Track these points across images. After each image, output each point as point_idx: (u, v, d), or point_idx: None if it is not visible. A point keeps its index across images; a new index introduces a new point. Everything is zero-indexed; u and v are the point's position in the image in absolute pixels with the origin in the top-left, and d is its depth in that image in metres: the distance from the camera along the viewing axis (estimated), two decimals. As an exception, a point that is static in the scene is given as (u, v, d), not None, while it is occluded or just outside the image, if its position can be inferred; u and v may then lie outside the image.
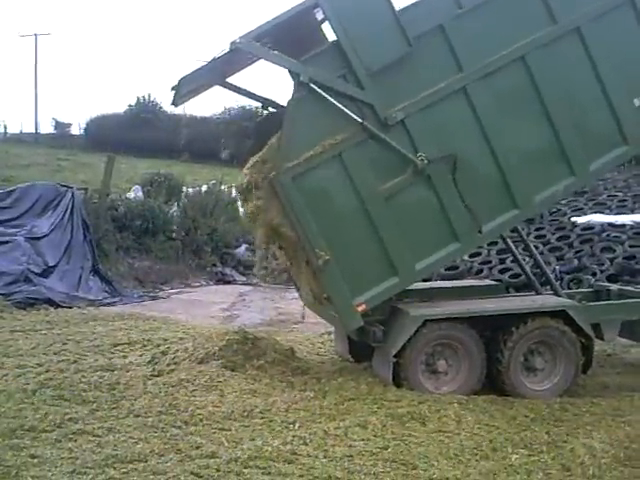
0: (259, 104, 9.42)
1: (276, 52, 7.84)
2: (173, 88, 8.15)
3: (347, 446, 6.26)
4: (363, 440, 6.41)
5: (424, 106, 7.83)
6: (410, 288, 8.50)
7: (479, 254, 15.07)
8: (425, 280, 11.92)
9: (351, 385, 7.94)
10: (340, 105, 7.56)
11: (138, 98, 46.11)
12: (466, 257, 15.01)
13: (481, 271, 14.38)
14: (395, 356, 7.85)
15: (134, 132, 41.14)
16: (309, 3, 7.54)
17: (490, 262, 14.62)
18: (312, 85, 7.46)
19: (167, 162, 35.21)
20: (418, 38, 7.69)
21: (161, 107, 45.08)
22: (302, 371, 8.55)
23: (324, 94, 7.49)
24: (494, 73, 7.99)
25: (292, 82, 7.57)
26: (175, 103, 8.31)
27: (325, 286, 7.79)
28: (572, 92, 8.31)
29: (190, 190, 22.94)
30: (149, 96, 45.96)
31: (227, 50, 7.72)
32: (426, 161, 7.79)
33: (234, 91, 9.14)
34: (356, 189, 7.74)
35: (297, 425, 6.72)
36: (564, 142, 8.23)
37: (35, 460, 5.69)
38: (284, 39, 7.99)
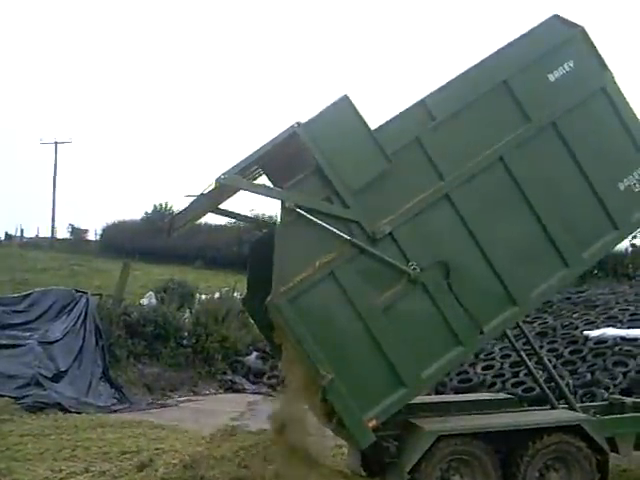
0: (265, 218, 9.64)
1: (261, 184, 8.17)
2: (166, 224, 8.36)
3: None
4: None
5: (410, 217, 7.95)
6: (424, 402, 8.43)
7: (492, 367, 14.97)
8: (438, 393, 11.81)
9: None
10: (327, 225, 7.67)
11: (154, 205, 47.07)
12: (479, 370, 14.93)
13: (494, 384, 14.23)
14: (409, 472, 7.72)
15: (149, 239, 41.72)
16: (288, 133, 7.71)
17: (503, 375, 14.49)
18: (298, 210, 7.64)
19: (181, 268, 35.54)
20: (396, 153, 7.86)
21: (185, 207, 45.72)
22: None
23: (311, 217, 7.63)
24: (475, 177, 8.12)
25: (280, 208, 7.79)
26: (169, 235, 8.52)
27: (333, 405, 7.72)
28: (555, 185, 8.42)
29: (203, 297, 23.08)
30: (165, 204, 46.89)
31: (213, 186, 7.93)
32: (418, 269, 7.86)
33: (227, 216, 9.42)
34: (353, 305, 7.76)
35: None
36: (553, 236, 8.30)
37: None
38: (273, 163, 8.27)
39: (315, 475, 7.94)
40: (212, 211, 8.99)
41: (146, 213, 46.86)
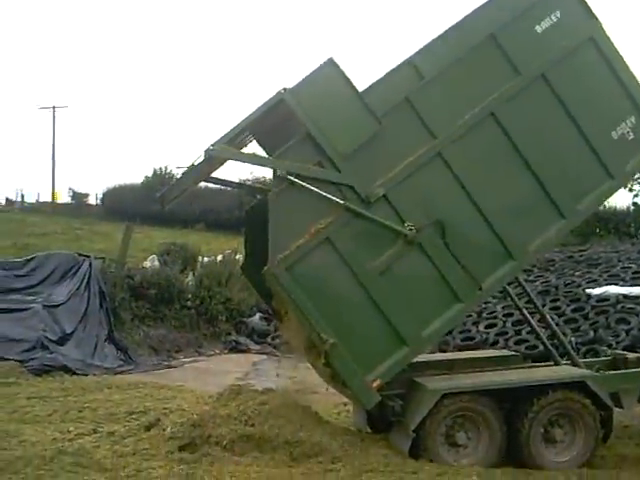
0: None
1: (250, 153, 8.16)
2: (160, 195, 8.34)
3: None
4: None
5: (403, 178, 7.93)
6: (428, 360, 8.48)
7: (495, 325, 15.06)
8: (442, 352, 11.88)
9: (368, 457, 7.80)
10: (320, 191, 7.67)
11: (154, 169, 46.95)
12: (482, 328, 15.01)
13: (497, 342, 14.33)
14: (414, 430, 7.80)
15: (150, 202, 41.61)
16: (275, 99, 7.68)
17: (506, 333, 14.58)
18: (290, 177, 7.62)
19: (182, 232, 35.56)
20: (386, 114, 7.82)
21: (177, 178, 45.66)
22: (318, 442, 8.43)
23: (303, 183, 7.62)
24: (467, 134, 8.10)
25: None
26: (163, 206, 8.50)
27: (336, 368, 7.81)
28: (548, 137, 8.40)
29: (205, 259, 23.14)
30: (165, 168, 46.76)
31: (203, 157, 7.93)
32: (415, 230, 7.89)
33: (220, 184, 9.40)
34: (350, 269, 7.80)
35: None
36: (548, 187, 8.31)
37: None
38: (263, 129, 8.23)
39: (320, 432, 8.03)
40: (204, 180, 8.94)
41: (146, 177, 46.80)
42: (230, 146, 7.98)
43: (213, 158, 7.99)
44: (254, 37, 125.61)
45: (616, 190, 9.15)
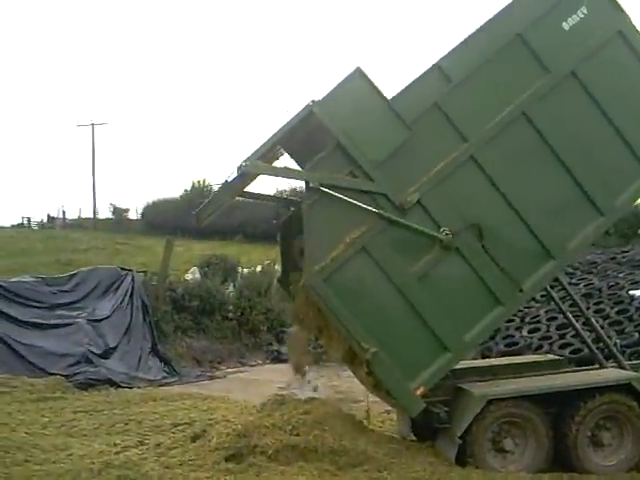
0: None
1: (282, 167, 8.20)
2: (196, 213, 8.38)
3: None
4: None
5: (437, 182, 7.89)
6: (472, 366, 8.42)
7: (539, 330, 14.87)
8: (485, 358, 11.78)
9: (414, 465, 7.76)
10: (354, 200, 7.66)
11: (193, 183, 47.32)
12: (525, 333, 14.84)
13: (541, 347, 14.14)
14: (461, 436, 7.75)
15: (190, 216, 41.87)
16: (304, 113, 7.68)
17: (550, 338, 14.37)
18: (322, 188, 7.61)
19: (221, 243, 35.79)
20: (416, 120, 7.78)
21: (212, 195, 45.91)
22: (363, 450, 8.41)
23: (336, 194, 7.62)
24: (499, 135, 8.03)
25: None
26: (199, 223, 8.57)
27: (379, 377, 7.79)
28: (581, 134, 8.30)
29: (245, 270, 23.28)
30: (204, 181, 47.12)
31: (235, 173, 7.98)
32: (451, 235, 7.84)
33: (254, 199, 9.48)
34: (388, 277, 7.78)
35: (362, 505, 6.65)
36: (584, 185, 8.22)
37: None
38: (293, 141, 8.23)
39: (365, 441, 8.01)
40: (239, 196, 8.96)
41: (185, 191, 47.16)
42: (262, 160, 8.01)
43: (246, 174, 8.04)
44: (288, 47, 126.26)
45: None
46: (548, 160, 8.18)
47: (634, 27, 8.48)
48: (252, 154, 7.79)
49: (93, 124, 59.77)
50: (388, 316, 7.88)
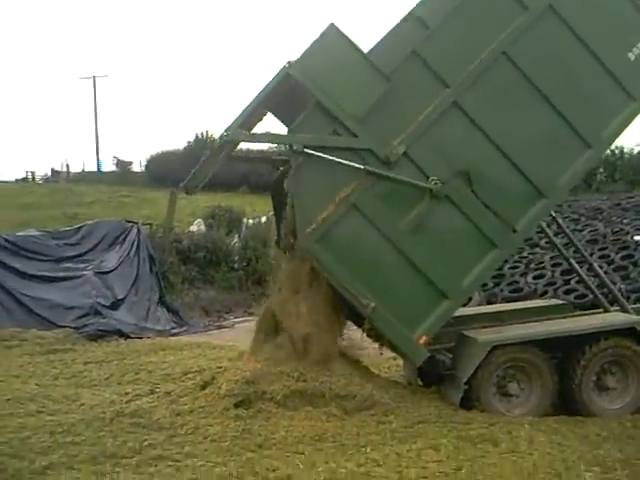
0: None
1: (264, 133, 8.17)
2: (184, 185, 8.38)
3: (421, 467, 6.28)
4: (436, 462, 6.42)
5: (421, 132, 7.84)
6: (476, 312, 8.47)
7: (543, 276, 14.93)
8: (490, 304, 11.85)
9: (420, 409, 7.89)
10: (339, 159, 7.63)
11: (196, 134, 47.02)
12: (530, 279, 14.90)
13: (546, 293, 14.21)
14: (466, 382, 7.84)
15: (192, 168, 41.70)
16: (282, 75, 7.64)
17: (555, 283, 14.45)
18: (307, 150, 7.58)
19: (226, 195, 35.72)
20: (395, 71, 7.70)
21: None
22: (370, 395, 8.53)
23: (321, 154, 7.59)
24: (480, 77, 7.96)
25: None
26: (188, 193, 8.55)
27: (380, 331, 7.88)
28: (564, 67, 8.22)
29: (250, 221, 23.32)
30: (206, 132, 46.80)
31: (219, 143, 8.03)
32: (440, 183, 7.83)
33: (244, 161, 9.46)
34: (380, 231, 7.81)
35: (369, 448, 6.77)
36: (569, 118, 8.17)
37: (117, 485, 5.86)
38: (275, 100, 8.11)
39: (372, 386, 8.12)
40: (229, 161, 8.89)
41: (188, 142, 46.88)
42: (247, 124, 7.98)
43: (229, 143, 8.04)
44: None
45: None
46: (532, 98, 8.10)
47: None
48: (234, 121, 7.79)
49: (95, 76, 59.38)
50: (384, 270, 7.94)
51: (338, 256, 7.74)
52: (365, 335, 8.55)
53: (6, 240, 15.49)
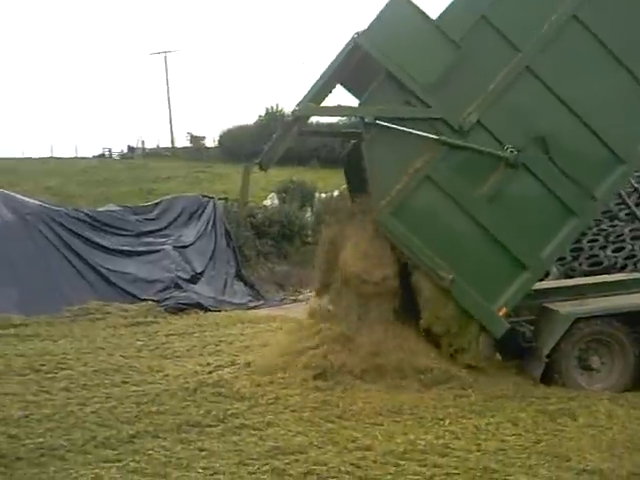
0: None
1: (335, 106, 8.09)
2: (259, 161, 8.47)
3: (499, 441, 6.31)
4: (515, 435, 6.45)
5: (494, 99, 7.71)
6: (557, 286, 8.36)
7: (623, 249, 14.57)
8: (569, 277, 11.66)
9: (498, 383, 7.89)
10: (412, 130, 7.56)
11: (267, 109, 47.25)
12: (610, 252, 14.58)
13: (626, 266, 13.89)
14: (547, 355, 7.79)
15: (265, 142, 41.89)
16: (350, 46, 7.57)
17: (635, 256, 14.09)
18: (379, 122, 7.51)
19: (297, 169, 35.86)
20: (464, 37, 7.57)
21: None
22: (447, 369, 8.54)
23: (393, 126, 7.52)
24: (552, 41, 7.76)
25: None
26: (263, 169, 8.62)
27: (460, 303, 7.83)
28: (635, 25, 7.96)
29: (322, 195, 23.42)
30: (277, 106, 46.98)
31: (291, 118, 8.04)
32: (516, 151, 7.69)
33: (314, 135, 9.43)
34: (456, 202, 7.74)
35: (447, 421, 6.83)
36: None
37: (203, 453, 6.09)
38: (347, 73, 8.10)
39: (450, 361, 8.10)
40: (300, 136, 8.94)
41: (259, 117, 47.15)
42: (317, 98, 7.98)
43: (300, 118, 8.06)
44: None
45: None
46: (605, 60, 7.92)
47: None
48: (305, 96, 7.82)
49: (166, 52, 60.04)
50: (462, 242, 7.90)
51: (413, 229, 7.74)
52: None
53: (88, 215, 15.90)
